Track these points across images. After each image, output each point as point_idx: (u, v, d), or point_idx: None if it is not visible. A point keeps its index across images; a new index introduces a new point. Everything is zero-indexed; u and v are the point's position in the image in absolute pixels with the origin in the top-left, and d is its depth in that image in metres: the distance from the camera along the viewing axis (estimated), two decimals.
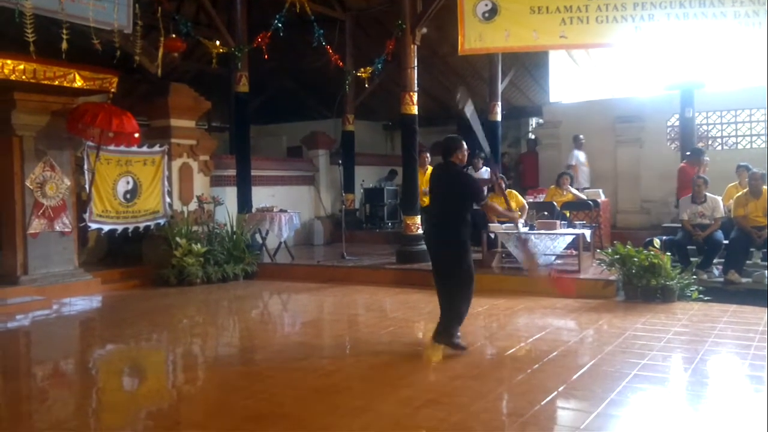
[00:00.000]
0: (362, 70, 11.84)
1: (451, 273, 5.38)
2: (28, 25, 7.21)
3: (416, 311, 7.08)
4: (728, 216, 8.57)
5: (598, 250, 9.10)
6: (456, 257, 5.34)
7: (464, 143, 5.58)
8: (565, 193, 10.32)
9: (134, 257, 10.11)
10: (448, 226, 5.37)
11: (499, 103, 13.43)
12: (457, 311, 5.34)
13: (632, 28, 9.12)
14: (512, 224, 9.02)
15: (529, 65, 15.31)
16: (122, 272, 9.58)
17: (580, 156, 12.44)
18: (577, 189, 11.63)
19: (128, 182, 9.60)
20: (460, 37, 9.63)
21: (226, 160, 11.77)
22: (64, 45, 7.49)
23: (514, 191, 10.13)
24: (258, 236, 10.74)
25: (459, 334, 5.33)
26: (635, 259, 7.33)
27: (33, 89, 8.09)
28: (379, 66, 11.25)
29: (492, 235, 9.11)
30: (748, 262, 8.28)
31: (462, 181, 5.53)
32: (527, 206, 9.74)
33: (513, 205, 9.65)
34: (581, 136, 12.59)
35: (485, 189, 5.75)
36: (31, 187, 8.39)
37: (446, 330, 5.29)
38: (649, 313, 6.70)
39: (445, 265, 5.43)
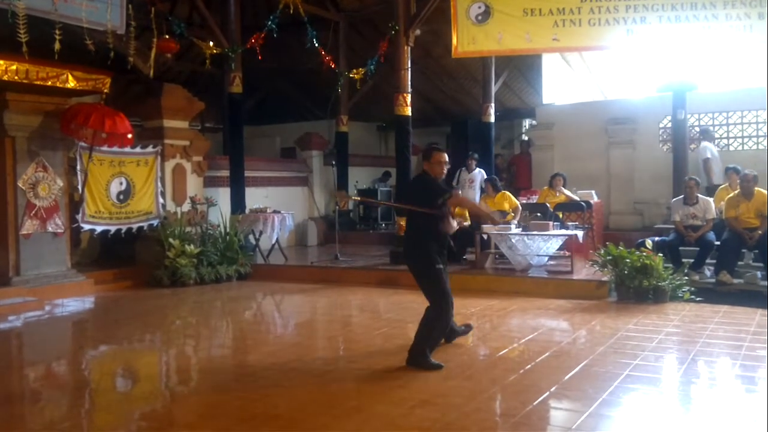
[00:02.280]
0: (354, 71, 11.87)
1: (422, 289, 5.12)
2: (20, 26, 7.18)
3: (409, 312, 7.07)
4: (720, 217, 8.61)
5: (591, 251, 9.13)
6: (420, 271, 5.08)
7: (444, 155, 5.12)
8: (557, 194, 10.36)
9: (127, 258, 10.10)
10: (412, 237, 5.15)
11: (493, 105, 13.46)
12: (425, 330, 4.99)
13: (625, 31, 9.16)
14: (506, 225, 9.09)
15: (522, 67, 15.35)
16: (115, 273, 9.56)
17: (714, 149, 11.40)
18: (711, 186, 10.55)
19: (121, 183, 9.58)
20: (453, 40, 9.65)
21: (220, 160, 11.77)
22: (57, 45, 7.47)
23: (507, 192, 10.17)
24: (251, 237, 10.73)
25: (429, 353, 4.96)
26: (627, 260, 7.36)
27: (25, 90, 8.07)
28: (372, 68, 11.26)
29: (485, 237, 9.14)
30: (739, 263, 8.32)
31: (421, 185, 5.15)
32: (521, 207, 9.78)
33: (506, 206, 9.70)
34: (711, 128, 11.87)
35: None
36: (23, 187, 8.36)
37: (414, 350, 4.96)
38: (641, 313, 6.73)
39: (418, 281, 5.15)
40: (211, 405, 4.36)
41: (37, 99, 8.33)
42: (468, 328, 5.87)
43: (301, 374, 4.94)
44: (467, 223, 9.60)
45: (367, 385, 4.70)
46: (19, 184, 8.33)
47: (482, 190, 10.70)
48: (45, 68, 7.90)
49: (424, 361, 4.91)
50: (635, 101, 13.32)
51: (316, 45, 10.95)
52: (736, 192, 8.49)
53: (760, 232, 7.96)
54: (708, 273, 8.37)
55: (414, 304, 7.40)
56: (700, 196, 8.65)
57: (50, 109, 8.52)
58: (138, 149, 9.79)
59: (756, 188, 8.22)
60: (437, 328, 5.06)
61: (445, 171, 5.15)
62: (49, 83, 8.02)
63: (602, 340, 5.66)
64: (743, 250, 8.30)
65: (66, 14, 7.91)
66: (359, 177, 14.81)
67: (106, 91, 8.69)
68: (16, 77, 7.66)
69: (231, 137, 11.66)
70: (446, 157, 5.13)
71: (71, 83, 8.21)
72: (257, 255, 10.70)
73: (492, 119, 13.50)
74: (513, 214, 9.57)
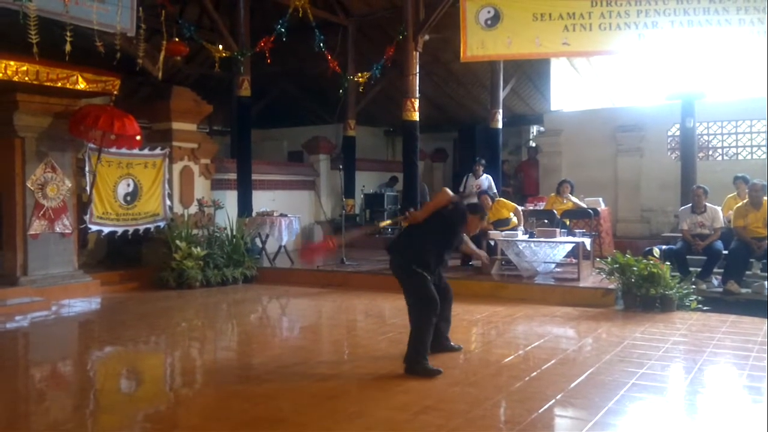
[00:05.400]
0: (359, 74, 11.89)
1: (410, 296, 5.15)
2: (31, 27, 7.22)
3: None
4: (728, 226, 8.57)
5: (598, 259, 9.09)
6: (407, 277, 5.12)
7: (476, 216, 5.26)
8: (565, 201, 10.32)
9: (134, 260, 10.12)
10: (413, 248, 5.11)
11: (501, 111, 13.46)
12: (415, 342, 4.99)
13: (635, 36, 9.14)
14: (513, 231, 9.07)
15: (530, 73, 15.35)
16: (122, 274, 9.57)
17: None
18: None
19: (129, 184, 9.61)
20: (462, 45, 9.65)
21: (227, 163, 11.80)
22: (68, 47, 7.50)
23: (502, 199, 10.14)
24: (258, 240, 10.74)
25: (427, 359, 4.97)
26: (635, 268, 7.32)
27: (35, 91, 8.10)
28: (377, 72, 11.26)
29: (491, 243, 9.11)
30: (747, 272, 8.27)
31: (452, 225, 5.16)
32: (520, 209, 9.75)
33: (505, 213, 9.64)
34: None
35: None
36: (32, 188, 8.40)
37: (409, 358, 4.96)
38: (647, 322, 6.69)
39: (407, 289, 5.17)
40: (215, 407, 4.36)
41: (46, 100, 8.37)
42: (458, 348, 5.62)
43: (305, 378, 4.93)
44: None
45: (371, 389, 4.69)
46: (28, 184, 8.37)
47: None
48: (55, 70, 7.93)
49: (422, 368, 4.87)
50: (644, 109, 13.31)
51: (323, 49, 10.97)
52: (744, 201, 8.45)
53: None
54: (716, 282, 8.33)
55: None
56: (708, 204, 8.60)
57: (60, 110, 8.55)
58: (146, 151, 9.82)
59: (765, 198, 8.17)
60: (425, 330, 4.99)
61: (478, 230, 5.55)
62: (59, 84, 8.04)
63: (608, 349, 5.63)
64: (751, 260, 8.25)
65: (77, 16, 7.95)
66: (366, 182, 14.81)
67: (115, 93, 8.72)
68: (26, 78, 7.69)
69: (239, 140, 11.70)
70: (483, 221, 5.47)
71: (81, 85, 8.23)
72: (263, 258, 10.71)
73: (500, 125, 13.50)
74: (516, 220, 9.52)
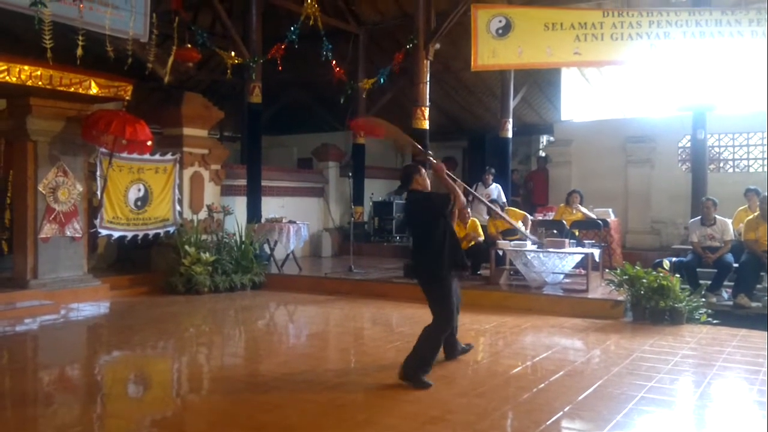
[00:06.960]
0: (364, 81, 11.90)
1: (431, 304, 5.16)
2: (46, 32, 7.28)
3: (422, 326, 7.01)
4: (738, 239, 8.51)
5: (607, 270, 9.05)
6: (433, 289, 5.14)
7: (421, 169, 5.30)
8: (574, 211, 10.28)
9: (143, 264, 10.15)
10: (430, 254, 5.10)
11: (511, 120, 13.45)
12: (422, 351, 4.98)
13: (647, 46, 9.13)
14: (522, 241, 9.04)
15: (541, 83, 15.34)
16: (131, 279, 9.61)
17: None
18: None
19: (139, 189, 9.65)
20: (473, 53, 9.66)
21: (237, 169, 11.84)
22: (80, 52, 7.56)
23: (511, 208, 10.13)
24: (266, 247, 10.76)
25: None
26: (644, 280, 7.28)
27: (49, 95, 8.18)
28: (382, 79, 11.26)
29: (500, 253, 9.09)
30: (758, 286, 8.20)
31: (429, 200, 5.23)
32: (529, 218, 9.71)
33: (513, 220, 9.62)
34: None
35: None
36: (43, 191, 8.46)
37: (412, 369, 4.89)
38: (657, 335, 6.65)
39: (428, 296, 5.19)
40: (221, 413, 4.36)
41: (59, 104, 8.44)
42: (469, 346, 5.79)
43: (312, 385, 4.93)
44: (481, 238, 9.55)
45: (378, 398, 4.68)
46: (40, 188, 8.43)
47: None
48: (68, 74, 8.00)
49: (417, 379, 4.83)
50: (654, 120, 13.26)
51: (330, 58, 10.99)
52: (755, 214, 8.40)
53: None
54: (726, 295, 8.27)
55: (427, 319, 7.36)
56: (717, 217, 8.55)
57: (72, 114, 8.62)
58: (157, 156, 9.87)
59: None
60: (437, 346, 5.11)
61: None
62: (72, 89, 8.11)
63: (617, 361, 5.60)
64: (762, 273, 8.19)
65: (90, 21, 8.01)
66: (375, 189, 14.82)
67: (127, 98, 8.79)
68: (39, 83, 7.76)
69: (249, 146, 11.74)
70: (424, 170, 5.36)
71: (94, 90, 8.30)
72: (272, 265, 10.72)
73: (510, 134, 13.49)
74: (524, 227, 9.49)
